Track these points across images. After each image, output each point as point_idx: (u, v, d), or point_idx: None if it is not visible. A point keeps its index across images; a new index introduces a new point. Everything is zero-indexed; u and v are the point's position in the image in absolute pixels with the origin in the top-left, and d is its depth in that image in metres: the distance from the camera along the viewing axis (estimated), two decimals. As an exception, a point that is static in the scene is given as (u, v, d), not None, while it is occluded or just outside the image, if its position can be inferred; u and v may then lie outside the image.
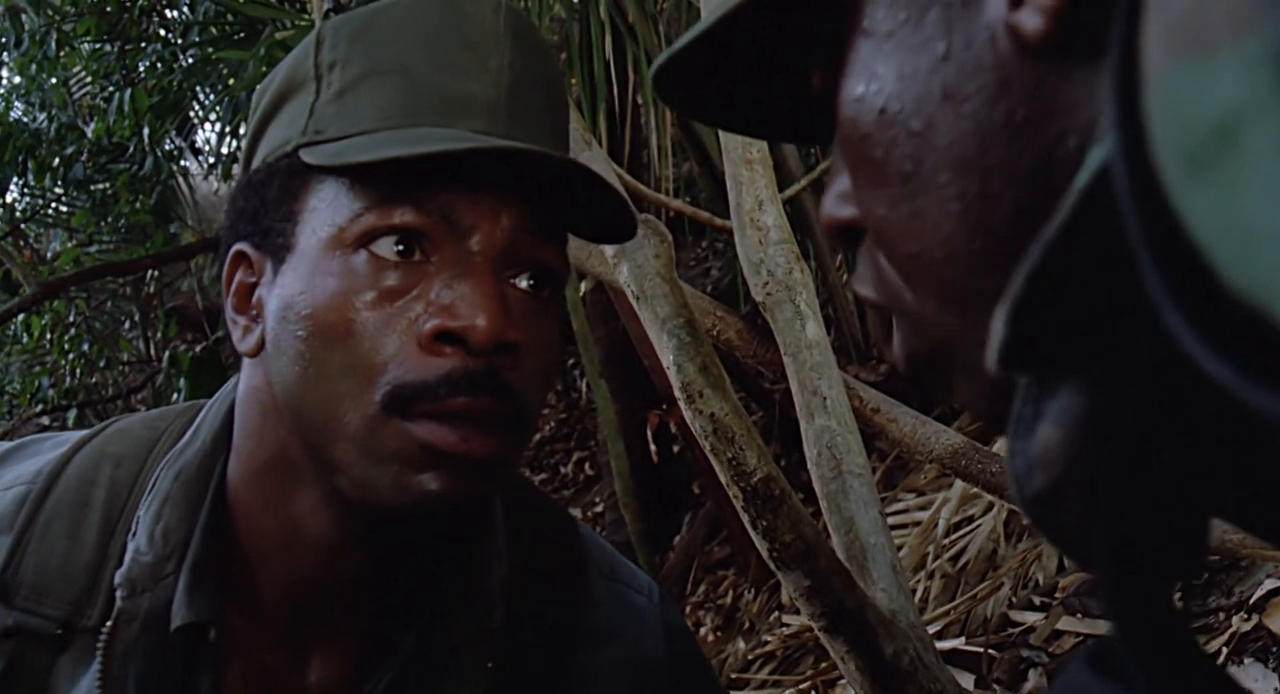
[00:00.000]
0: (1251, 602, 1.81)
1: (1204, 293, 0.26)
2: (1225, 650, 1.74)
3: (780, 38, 0.48)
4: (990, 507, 2.60)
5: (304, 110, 0.76)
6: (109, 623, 0.76)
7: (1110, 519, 0.35)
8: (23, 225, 6.23)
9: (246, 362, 0.79)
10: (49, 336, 5.48)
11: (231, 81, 5.25)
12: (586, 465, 5.41)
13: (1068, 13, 0.35)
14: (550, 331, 0.77)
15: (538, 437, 6.02)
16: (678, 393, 1.16)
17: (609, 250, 1.29)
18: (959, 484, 2.73)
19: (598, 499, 4.74)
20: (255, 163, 0.79)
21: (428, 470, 0.71)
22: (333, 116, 0.74)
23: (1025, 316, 0.33)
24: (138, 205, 5.55)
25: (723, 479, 1.15)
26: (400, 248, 0.72)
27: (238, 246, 0.79)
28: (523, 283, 0.75)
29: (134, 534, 0.78)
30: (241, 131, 5.21)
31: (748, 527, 1.16)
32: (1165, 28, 0.25)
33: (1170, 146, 0.25)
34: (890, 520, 2.48)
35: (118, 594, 0.76)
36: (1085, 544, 0.37)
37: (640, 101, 3.49)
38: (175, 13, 5.51)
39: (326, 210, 0.73)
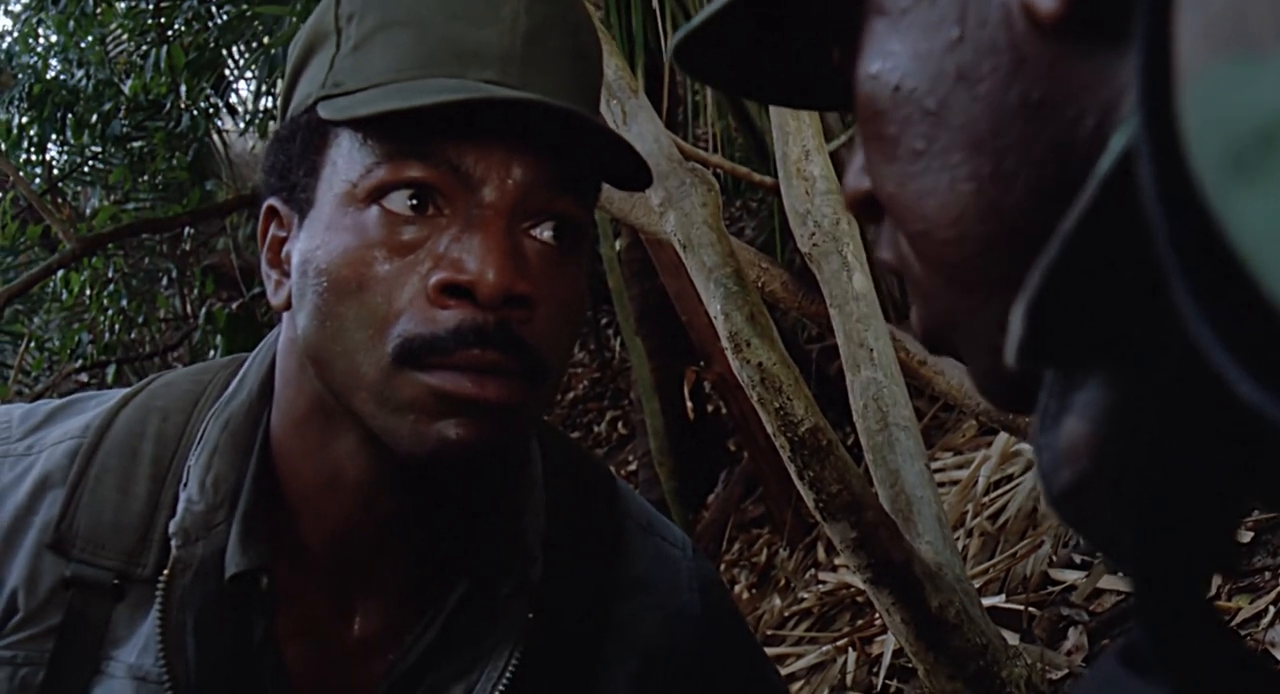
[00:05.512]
0: (1298, 561, 1.80)
1: (1237, 302, 0.24)
2: (1272, 610, 1.73)
3: (798, 13, 0.48)
4: (1030, 465, 2.58)
5: (325, 64, 0.76)
6: (166, 572, 0.77)
7: (1137, 517, 0.34)
8: (61, 183, 6.26)
9: (284, 314, 0.80)
10: (88, 293, 5.51)
11: (266, 39, 5.25)
12: (620, 424, 5.42)
13: None
14: (572, 283, 0.76)
15: (571, 395, 6.02)
16: (724, 342, 1.15)
17: (655, 200, 1.27)
18: (999, 442, 2.71)
19: (632, 458, 4.75)
20: (287, 118, 0.80)
21: (445, 417, 0.71)
22: (350, 70, 0.74)
23: (1044, 312, 0.32)
24: (174, 163, 5.55)
25: (769, 429, 1.14)
26: (413, 202, 0.72)
27: (269, 201, 0.80)
28: (543, 234, 0.74)
29: (185, 484, 0.79)
30: (277, 89, 5.21)
31: (794, 477, 1.15)
32: (1206, 19, 0.24)
33: (1211, 145, 0.24)
34: (929, 478, 2.46)
35: (172, 543, 0.77)
36: (1116, 542, 0.36)
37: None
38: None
39: (343, 165, 0.74)
